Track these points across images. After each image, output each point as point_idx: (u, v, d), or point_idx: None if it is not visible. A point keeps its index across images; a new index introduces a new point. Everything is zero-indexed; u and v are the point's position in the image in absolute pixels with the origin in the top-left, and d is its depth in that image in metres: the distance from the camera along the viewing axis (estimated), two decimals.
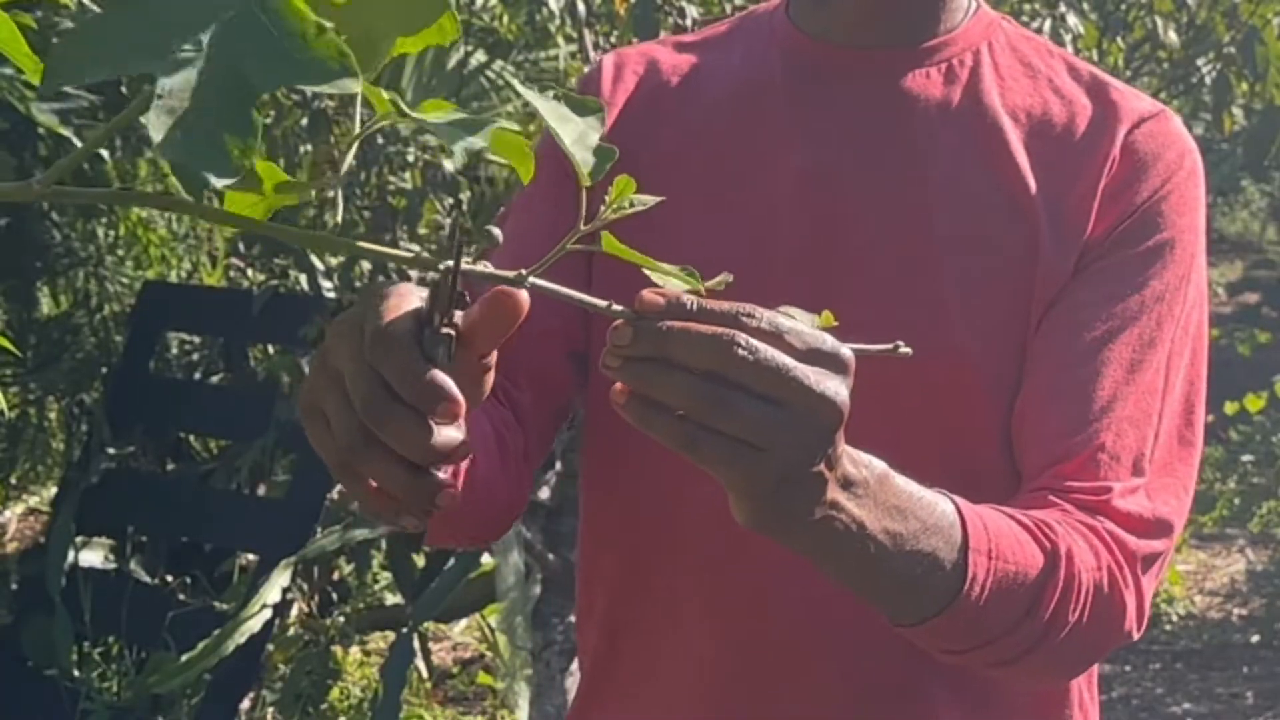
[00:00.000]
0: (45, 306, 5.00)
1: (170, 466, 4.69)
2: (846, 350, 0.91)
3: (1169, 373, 1.22)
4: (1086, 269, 1.26)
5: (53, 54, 0.76)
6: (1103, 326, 1.24)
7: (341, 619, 4.23)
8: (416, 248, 0.97)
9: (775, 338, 0.88)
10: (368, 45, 0.87)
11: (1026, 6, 3.85)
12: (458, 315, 0.92)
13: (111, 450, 4.31)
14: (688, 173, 1.37)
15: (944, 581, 1.05)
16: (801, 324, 0.90)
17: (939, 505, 1.04)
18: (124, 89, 4.30)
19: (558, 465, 3.22)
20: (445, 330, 0.92)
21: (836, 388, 0.89)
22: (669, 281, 0.89)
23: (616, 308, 0.89)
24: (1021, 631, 1.12)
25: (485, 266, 0.91)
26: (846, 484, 0.95)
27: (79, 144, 3.82)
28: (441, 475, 0.94)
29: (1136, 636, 1.21)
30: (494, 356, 0.96)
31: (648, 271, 0.88)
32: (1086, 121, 1.32)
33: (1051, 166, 1.30)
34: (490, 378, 0.98)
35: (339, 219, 1.30)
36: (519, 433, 1.34)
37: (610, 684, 1.44)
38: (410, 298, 0.92)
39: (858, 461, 0.96)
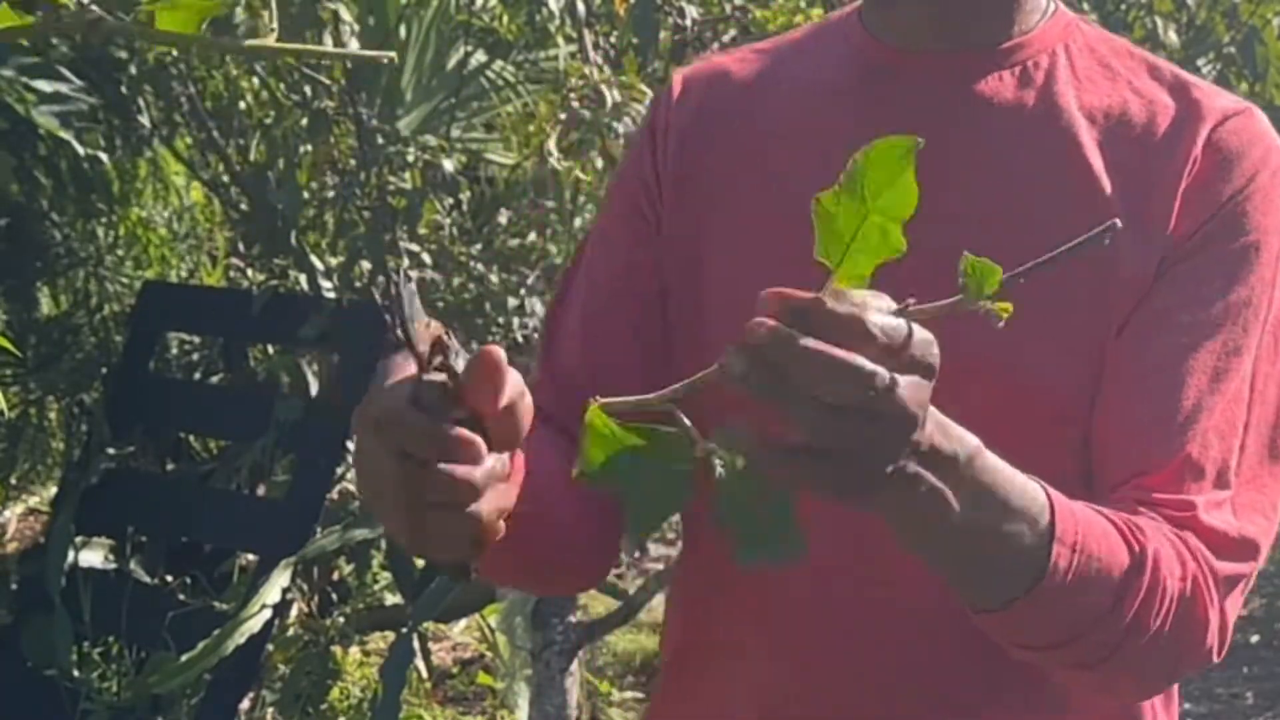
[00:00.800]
0: (45, 306, 4.96)
1: (170, 466, 4.65)
2: (933, 353, 0.91)
3: (1256, 380, 1.19)
4: (1168, 273, 1.23)
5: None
6: (1186, 333, 1.21)
7: (341, 619, 4.18)
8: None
9: (882, 349, 0.87)
10: None
11: None
12: (458, 361, 0.95)
13: (111, 450, 4.25)
14: (757, 182, 1.36)
15: (1026, 566, 1.04)
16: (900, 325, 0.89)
17: (1029, 489, 1.03)
18: (124, 89, 4.41)
19: None
20: (433, 378, 0.94)
21: (919, 396, 0.89)
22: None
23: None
24: (1102, 630, 1.10)
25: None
26: (934, 455, 0.94)
27: (79, 146, 3.80)
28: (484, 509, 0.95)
29: (1217, 659, 1.18)
30: (522, 402, 0.98)
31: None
32: (1168, 121, 1.29)
33: (1131, 168, 1.28)
34: (524, 419, 0.99)
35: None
36: None
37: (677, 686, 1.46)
38: (402, 367, 0.95)
39: (949, 435, 0.96)
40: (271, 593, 3.60)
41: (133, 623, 3.98)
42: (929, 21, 1.33)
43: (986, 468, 0.99)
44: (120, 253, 4.97)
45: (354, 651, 4.58)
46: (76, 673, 4.00)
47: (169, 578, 4.30)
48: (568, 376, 1.38)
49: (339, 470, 3.91)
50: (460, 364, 0.96)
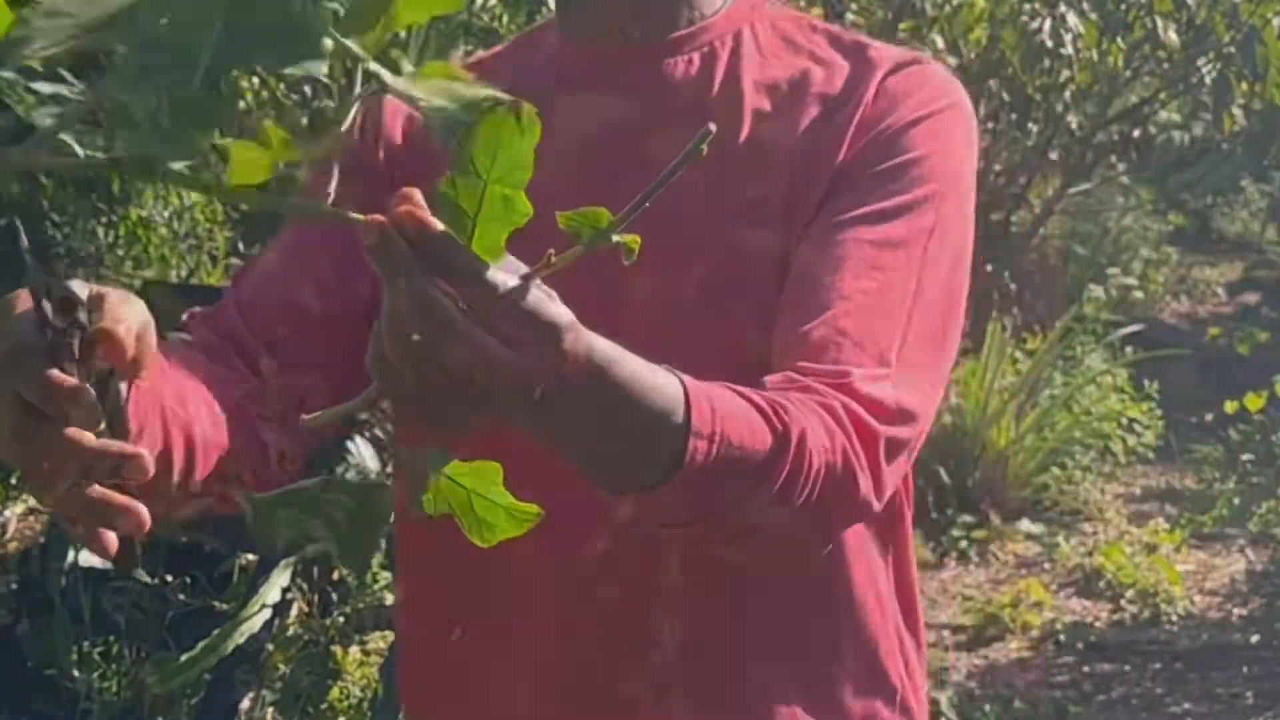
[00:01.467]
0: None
1: None
2: (563, 317, 0.97)
3: (923, 279, 1.26)
4: (831, 191, 1.32)
5: (12, 30, 0.79)
6: (847, 232, 1.30)
7: (341, 619, 4.18)
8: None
9: (495, 299, 0.93)
10: (370, 11, 0.88)
11: (1027, 6, 3.86)
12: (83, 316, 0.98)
13: None
14: None
15: (664, 459, 1.10)
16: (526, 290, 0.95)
17: (664, 388, 1.09)
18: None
19: None
20: (59, 324, 0.96)
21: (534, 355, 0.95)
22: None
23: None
24: (745, 508, 1.17)
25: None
26: (560, 382, 1.00)
27: (78, 148, 3.84)
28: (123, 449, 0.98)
29: (878, 509, 1.25)
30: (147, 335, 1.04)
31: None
32: (844, 78, 1.39)
33: (811, 122, 1.37)
34: (147, 365, 1.04)
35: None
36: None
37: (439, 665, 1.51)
38: (24, 300, 0.98)
39: (593, 348, 1.02)
40: (271, 593, 3.60)
41: (132, 623, 3.97)
42: (618, 17, 1.41)
43: (618, 379, 1.04)
44: (120, 252, 5.01)
45: (354, 651, 4.47)
46: (76, 672, 3.97)
47: (169, 578, 4.14)
48: (252, 300, 1.43)
49: (339, 471, 3.91)
50: (84, 316, 0.98)
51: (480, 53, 1.66)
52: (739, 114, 1.40)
